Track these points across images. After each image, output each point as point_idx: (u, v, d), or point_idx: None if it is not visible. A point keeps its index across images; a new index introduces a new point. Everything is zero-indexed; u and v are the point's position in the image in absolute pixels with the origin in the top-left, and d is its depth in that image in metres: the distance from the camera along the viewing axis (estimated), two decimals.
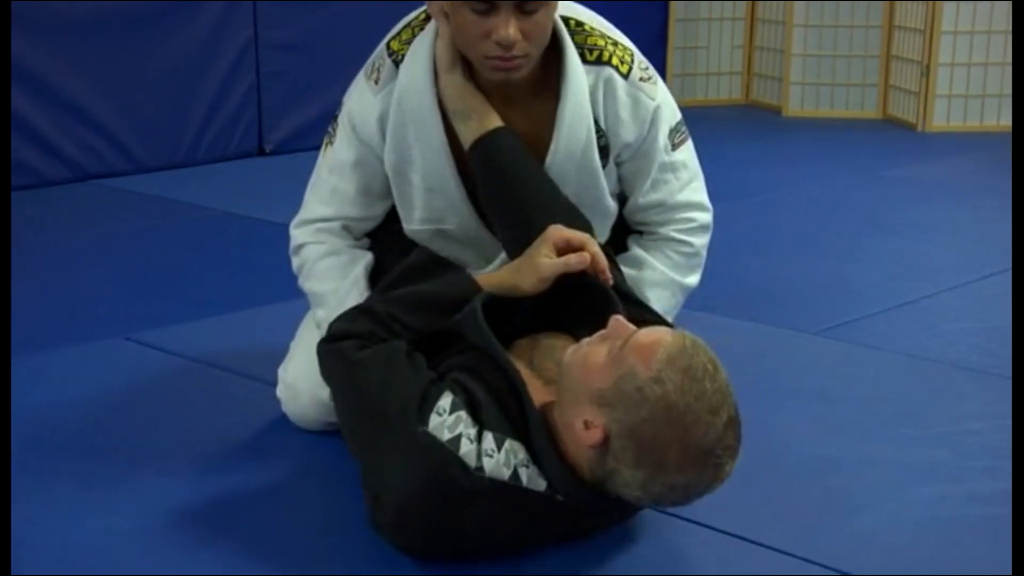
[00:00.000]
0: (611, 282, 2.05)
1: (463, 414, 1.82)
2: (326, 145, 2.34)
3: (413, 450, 1.81)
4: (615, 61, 2.21)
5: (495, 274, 2.10)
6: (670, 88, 2.42)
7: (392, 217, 2.36)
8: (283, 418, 2.42)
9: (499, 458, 1.80)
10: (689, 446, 1.73)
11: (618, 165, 2.28)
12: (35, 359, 2.79)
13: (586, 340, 1.86)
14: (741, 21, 6.60)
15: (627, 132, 2.23)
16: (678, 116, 2.31)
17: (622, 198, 2.34)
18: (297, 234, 2.36)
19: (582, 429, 1.78)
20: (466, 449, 1.79)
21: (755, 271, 3.54)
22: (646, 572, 1.90)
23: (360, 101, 2.25)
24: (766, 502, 2.12)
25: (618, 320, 1.83)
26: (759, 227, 4.06)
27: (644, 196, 2.30)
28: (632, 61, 2.23)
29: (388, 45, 2.24)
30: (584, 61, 2.20)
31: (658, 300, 2.31)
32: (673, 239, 2.33)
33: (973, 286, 3.43)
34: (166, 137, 4.96)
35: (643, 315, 2.02)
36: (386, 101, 2.22)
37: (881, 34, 6.15)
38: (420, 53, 2.19)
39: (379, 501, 1.88)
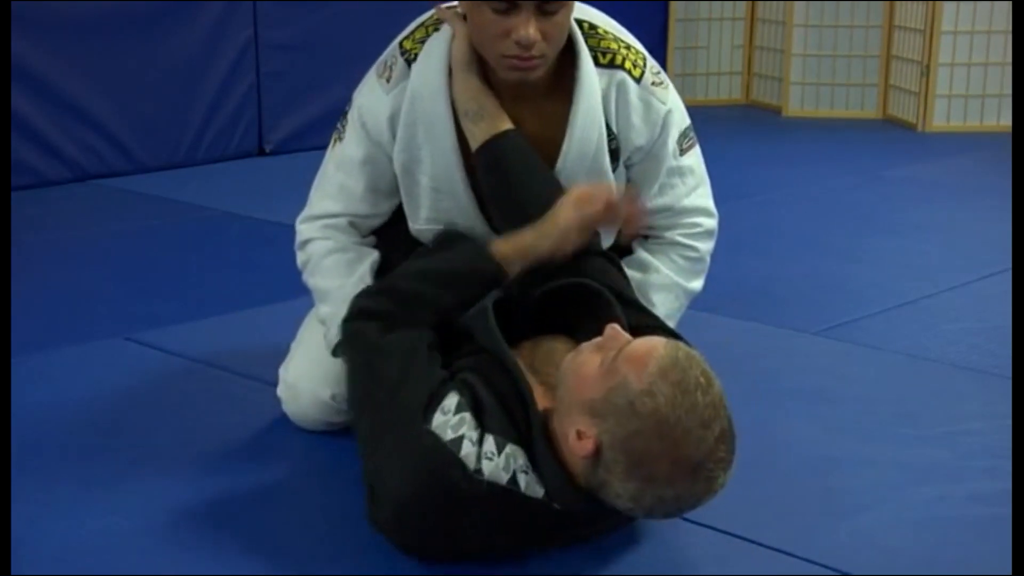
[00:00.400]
0: (639, 226, 2.10)
1: (467, 415, 1.82)
2: (335, 141, 2.33)
3: (415, 449, 1.81)
4: (628, 65, 2.22)
5: (515, 239, 2.08)
6: None
7: (399, 214, 2.35)
8: (283, 418, 2.42)
9: (499, 462, 1.80)
10: (680, 459, 1.72)
11: (627, 168, 2.29)
12: (35, 359, 2.79)
13: (584, 345, 1.86)
14: (741, 21, 6.60)
15: (638, 136, 2.24)
16: (687, 121, 2.31)
17: None
18: (303, 229, 2.35)
19: (575, 439, 1.78)
20: (467, 451, 1.79)
21: (755, 271, 3.54)
22: (646, 572, 1.90)
23: (371, 98, 2.25)
24: (766, 502, 2.12)
25: (613, 328, 1.83)
26: (759, 227, 4.06)
27: (651, 200, 2.30)
28: (644, 65, 2.23)
29: (401, 44, 2.24)
30: (597, 64, 2.20)
31: (662, 304, 2.31)
32: (679, 243, 2.34)
33: (973, 286, 3.43)
34: (166, 137, 4.96)
35: (645, 321, 2.02)
36: (397, 100, 2.22)
37: (881, 34, 6.15)
38: (435, 54, 2.19)
39: (377, 496, 1.88)
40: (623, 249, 2.35)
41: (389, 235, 2.37)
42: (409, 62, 2.21)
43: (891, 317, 3.16)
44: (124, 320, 3.09)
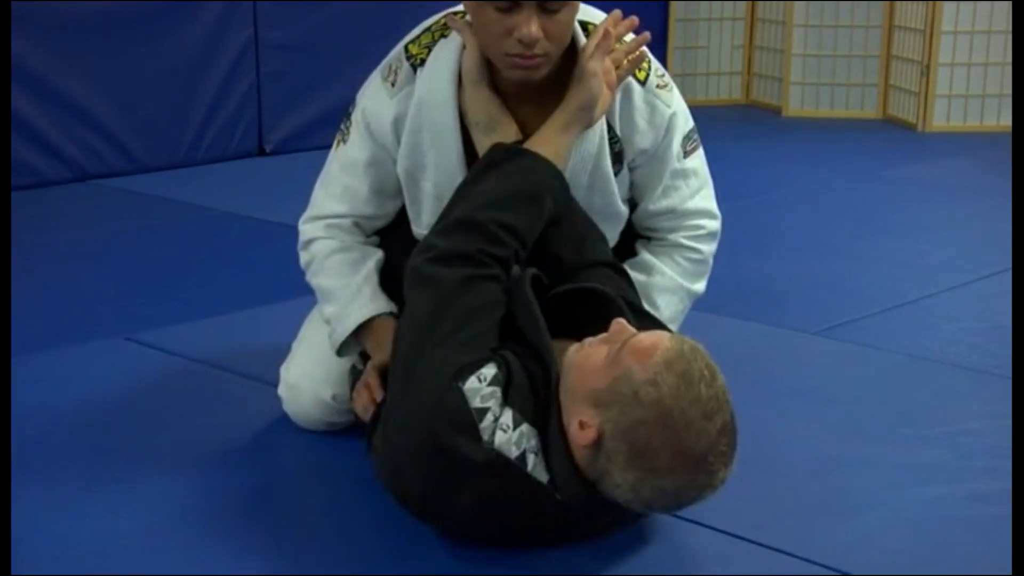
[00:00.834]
0: (638, 64, 2.17)
1: (499, 391, 1.82)
2: (338, 142, 2.33)
3: (438, 401, 1.81)
4: None
5: (548, 129, 2.11)
6: None
7: (403, 215, 2.35)
8: (284, 418, 2.42)
9: (512, 436, 1.80)
10: (681, 450, 1.73)
11: (631, 171, 2.28)
12: (35, 359, 2.79)
13: (588, 340, 1.87)
14: (741, 21, 6.60)
15: (643, 139, 2.24)
16: (691, 123, 2.31)
17: (632, 203, 2.34)
18: (306, 229, 2.35)
19: (576, 429, 1.79)
20: (487, 424, 1.80)
21: (755, 271, 3.54)
22: (647, 571, 1.90)
23: (375, 102, 2.25)
24: (766, 502, 2.12)
25: (619, 323, 1.84)
26: (759, 227, 4.06)
27: (655, 203, 2.30)
28: (649, 68, 2.23)
29: (406, 48, 2.24)
30: None
31: (667, 306, 2.31)
32: (682, 245, 2.33)
33: (973, 286, 3.43)
34: (166, 137, 4.96)
35: (649, 326, 2.02)
36: (401, 104, 2.22)
37: (881, 34, 6.15)
38: (443, 62, 2.19)
39: (386, 429, 1.90)
40: (626, 250, 2.35)
41: (393, 236, 2.37)
42: (414, 67, 2.21)
43: (891, 317, 3.16)
44: (124, 320, 3.09)
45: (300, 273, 2.37)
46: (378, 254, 2.33)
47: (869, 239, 3.93)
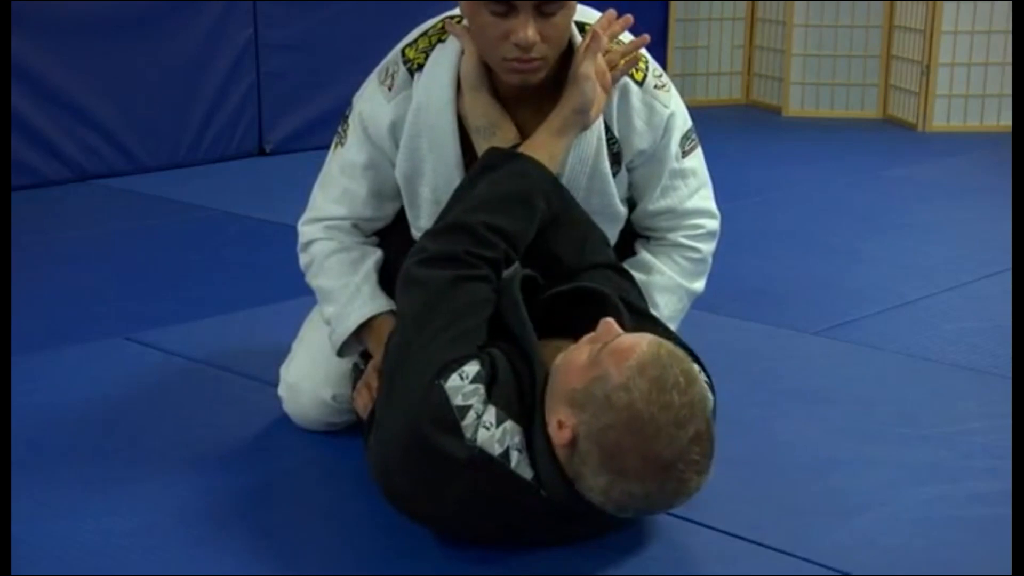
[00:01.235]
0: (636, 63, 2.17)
1: (482, 388, 1.83)
2: (336, 144, 2.33)
3: (421, 399, 1.83)
4: None
5: (543, 131, 2.12)
6: None
7: (402, 214, 2.35)
8: (284, 418, 2.42)
9: (495, 433, 1.81)
10: (650, 457, 1.73)
11: (629, 171, 2.28)
12: (35, 359, 2.79)
13: (582, 339, 1.87)
14: (741, 21, 6.60)
15: (641, 140, 2.23)
16: (689, 123, 2.31)
17: (631, 203, 2.34)
18: (306, 231, 2.35)
19: (555, 428, 1.80)
20: (469, 421, 1.81)
21: (755, 271, 3.54)
22: (647, 572, 1.90)
23: (372, 105, 2.25)
24: (766, 502, 2.12)
25: (607, 323, 1.84)
26: (759, 227, 4.06)
27: (653, 203, 2.30)
28: (647, 68, 2.23)
29: (403, 52, 2.23)
30: None
31: (666, 305, 2.31)
32: (681, 245, 2.33)
33: (973, 286, 3.43)
34: (166, 137, 4.96)
35: (648, 326, 2.02)
36: (398, 109, 2.22)
37: (881, 34, 6.15)
38: (441, 67, 2.19)
39: (377, 431, 1.91)
40: (625, 250, 2.35)
41: (392, 236, 2.37)
42: (411, 71, 2.21)
43: (891, 317, 3.16)
44: (124, 320, 3.09)
45: (300, 273, 2.37)
46: (377, 253, 2.33)
47: (869, 239, 3.93)
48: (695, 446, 1.74)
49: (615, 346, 1.79)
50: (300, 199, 2.41)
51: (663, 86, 2.25)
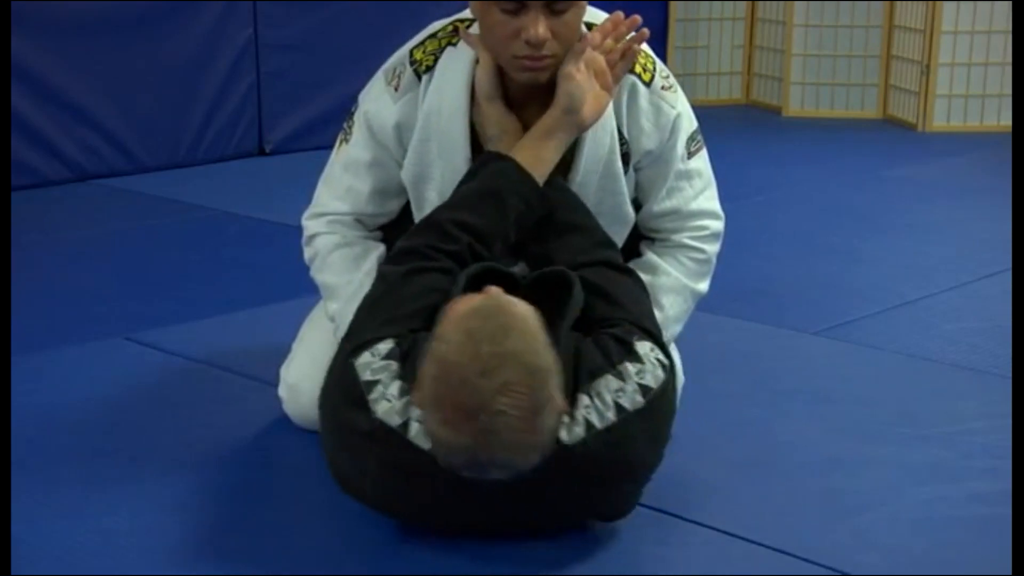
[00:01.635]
0: (636, 55, 2.16)
1: (394, 364, 1.89)
2: (341, 141, 2.33)
3: (335, 377, 1.93)
4: (637, 69, 2.21)
5: (530, 135, 2.13)
6: None
7: (406, 210, 2.35)
8: (284, 418, 2.42)
9: (395, 405, 1.86)
10: (457, 405, 1.76)
11: (636, 172, 2.29)
12: (35, 359, 2.79)
13: None
14: (741, 21, 6.60)
15: (648, 140, 2.24)
16: (695, 124, 2.31)
17: (636, 204, 2.34)
18: (309, 225, 2.36)
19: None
20: (375, 395, 1.86)
21: (755, 271, 3.54)
22: (646, 571, 1.90)
23: (378, 105, 2.25)
24: (766, 502, 2.12)
25: (489, 289, 1.87)
26: (759, 227, 4.06)
27: (659, 204, 2.30)
28: (654, 69, 2.23)
29: (411, 53, 2.24)
30: None
31: (671, 306, 2.31)
32: (686, 246, 2.33)
33: (973, 286, 3.43)
34: (166, 137, 4.96)
35: (613, 313, 2.02)
36: (404, 109, 2.22)
37: (881, 34, 6.15)
38: (454, 72, 2.18)
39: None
40: (631, 251, 2.35)
41: (396, 231, 2.36)
42: (418, 73, 2.21)
43: (891, 317, 3.16)
44: (124, 320, 3.09)
45: (300, 273, 2.38)
46: (380, 248, 2.33)
47: (869, 239, 3.93)
48: (502, 397, 1.74)
49: (452, 304, 1.85)
50: (300, 199, 2.41)
51: (670, 87, 2.25)
